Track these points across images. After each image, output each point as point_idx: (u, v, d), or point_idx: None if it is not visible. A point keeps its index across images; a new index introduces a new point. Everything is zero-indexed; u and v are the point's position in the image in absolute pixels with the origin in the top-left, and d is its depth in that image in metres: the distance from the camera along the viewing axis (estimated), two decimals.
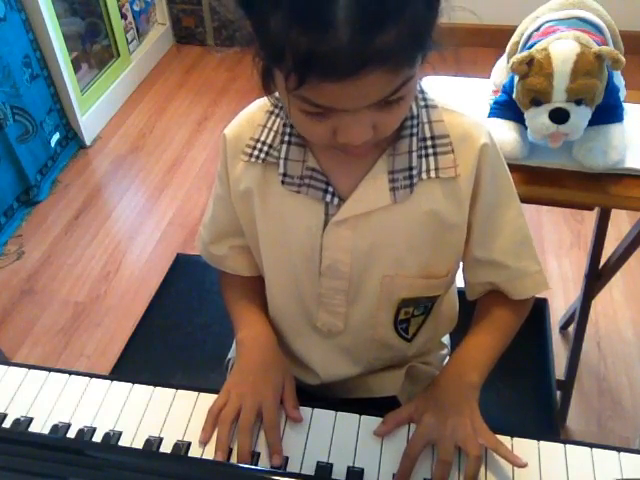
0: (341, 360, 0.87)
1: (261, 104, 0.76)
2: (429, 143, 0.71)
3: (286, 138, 0.73)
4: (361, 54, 0.50)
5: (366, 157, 0.68)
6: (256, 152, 0.75)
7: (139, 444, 0.73)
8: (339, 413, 0.76)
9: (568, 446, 0.72)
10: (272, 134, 0.74)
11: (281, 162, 0.73)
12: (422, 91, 0.72)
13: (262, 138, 0.75)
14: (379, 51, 0.51)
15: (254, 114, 0.77)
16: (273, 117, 0.75)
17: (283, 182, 0.73)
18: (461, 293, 0.89)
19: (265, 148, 0.74)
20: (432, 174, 0.70)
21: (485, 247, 0.78)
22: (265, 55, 0.57)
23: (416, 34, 0.53)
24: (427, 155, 0.71)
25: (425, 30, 0.54)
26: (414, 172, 0.70)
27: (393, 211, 0.72)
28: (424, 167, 0.70)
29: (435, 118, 0.71)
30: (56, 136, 2.36)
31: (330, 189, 0.72)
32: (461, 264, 0.83)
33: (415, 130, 0.70)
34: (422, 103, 0.71)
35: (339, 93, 0.54)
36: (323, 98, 0.56)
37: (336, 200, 0.72)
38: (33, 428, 0.75)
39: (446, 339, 0.98)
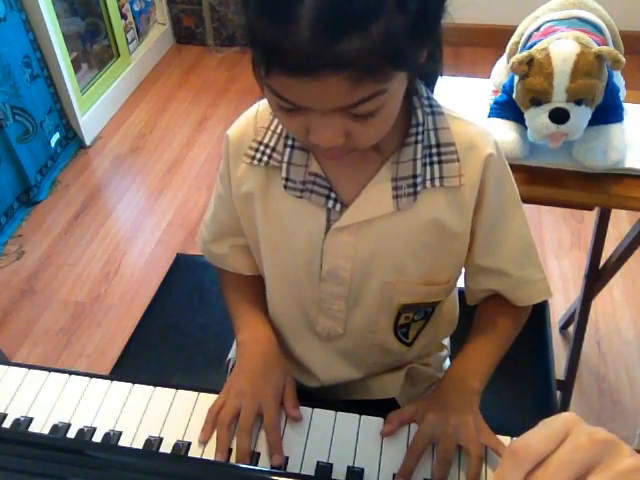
0: (341, 363, 0.87)
1: (265, 106, 0.75)
2: (434, 151, 0.70)
3: (289, 142, 0.72)
4: (318, 56, 0.50)
5: (338, 160, 0.66)
6: (259, 155, 0.74)
7: (139, 444, 0.73)
8: (339, 413, 0.76)
9: None
10: (275, 137, 0.74)
11: (284, 166, 0.72)
12: (429, 97, 0.70)
13: (265, 140, 0.74)
14: (337, 57, 0.50)
15: (258, 115, 0.76)
16: (277, 120, 0.74)
17: (285, 187, 0.72)
18: (461, 294, 0.89)
19: (268, 151, 0.74)
20: (436, 183, 0.70)
21: (488, 255, 0.78)
22: (245, 38, 0.57)
23: (385, 52, 0.51)
24: (432, 163, 0.70)
25: (399, 52, 0.53)
26: (418, 180, 0.69)
27: (396, 219, 0.71)
28: (428, 175, 0.70)
29: (441, 125, 0.70)
30: (56, 136, 2.36)
31: (332, 195, 0.71)
32: (463, 270, 0.83)
33: (420, 137, 0.69)
34: (428, 110, 0.70)
35: (300, 90, 0.54)
36: (287, 92, 0.56)
37: (338, 206, 0.71)
38: (33, 428, 0.75)
39: (446, 340, 0.98)
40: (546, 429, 0.41)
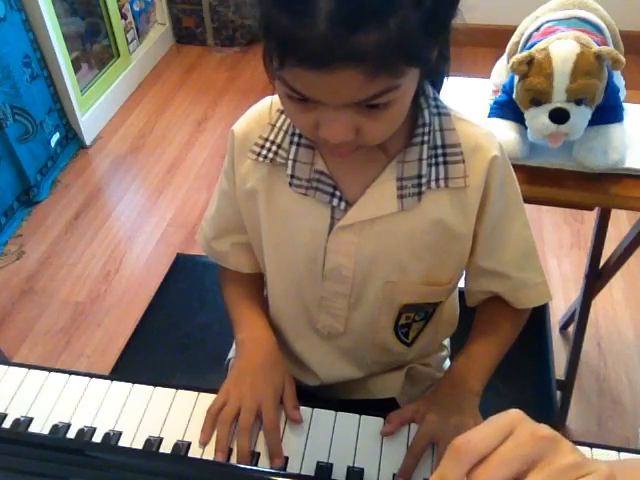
0: (341, 362, 0.87)
1: (271, 102, 0.75)
2: (440, 151, 0.70)
3: (295, 139, 0.72)
4: (335, 48, 0.50)
5: (345, 157, 0.66)
6: (264, 151, 0.74)
7: (139, 444, 0.73)
8: (339, 413, 0.76)
9: None
10: (281, 134, 0.74)
11: (289, 163, 0.72)
12: (435, 98, 0.71)
13: (271, 137, 0.74)
14: (353, 50, 0.50)
15: (264, 112, 0.76)
16: (283, 117, 0.74)
17: (291, 184, 0.72)
18: (462, 295, 0.89)
19: (274, 148, 0.74)
20: (441, 183, 0.70)
21: (490, 257, 0.78)
22: (259, 29, 0.57)
23: (401, 47, 0.51)
24: (437, 164, 0.70)
25: (414, 47, 0.53)
26: (423, 180, 0.69)
27: (399, 218, 0.71)
28: (433, 176, 0.70)
29: (447, 126, 0.70)
30: (56, 136, 2.36)
31: (337, 193, 0.71)
32: (463, 272, 0.83)
33: (426, 138, 0.69)
34: (434, 110, 0.70)
35: (313, 83, 0.54)
36: (300, 85, 0.56)
37: (343, 204, 0.71)
38: (33, 428, 0.75)
39: (446, 341, 0.98)
40: (490, 426, 0.41)
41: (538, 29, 1.06)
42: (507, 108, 1.06)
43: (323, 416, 0.75)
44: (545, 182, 1.05)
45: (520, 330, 0.84)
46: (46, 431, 0.74)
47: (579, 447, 0.71)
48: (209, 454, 0.72)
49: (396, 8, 0.50)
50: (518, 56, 0.97)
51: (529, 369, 1.08)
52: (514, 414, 0.42)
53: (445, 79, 0.71)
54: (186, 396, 0.78)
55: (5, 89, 2.04)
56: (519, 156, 1.04)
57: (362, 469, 0.70)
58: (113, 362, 1.11)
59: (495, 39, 1.63)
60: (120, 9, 2.66)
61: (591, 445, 0.72)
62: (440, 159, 0.70)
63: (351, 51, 0.50)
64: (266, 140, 0.74)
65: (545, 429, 0.40)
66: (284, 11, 0.51)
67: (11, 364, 0.84)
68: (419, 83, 0.62)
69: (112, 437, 0.73)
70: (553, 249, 1.98)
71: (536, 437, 0.40)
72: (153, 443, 0.73)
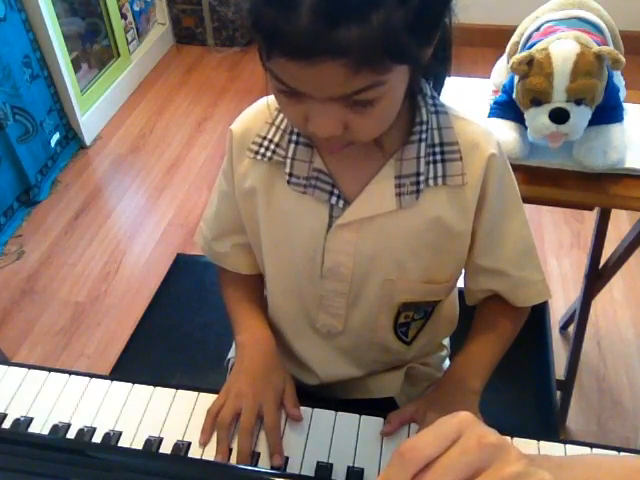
0: (340, 361, 0.87)
1: (270, 101, 0.75)
2: (437, 149, 0.70)
3: (294, 137, 0.72)
4: (317, 41, 0.51)
5: (337, 152, 0.66)
6: (262, 150, 0.74)
7: (139, 444, 0.73)
8: (339, 413, 0.76)
9: (568, 446, 0.72)
10: (280, 132, 0.74)
11: (288, 161, 0.72)
12: (433, 97, 0.71)
13: (269, 136, 0.74)
14: (335, 44, 0.50)
15: (262, 111, 0.76)
16: (281, 115, 0.74)
17: (289, 182, 0.73)
18: (461, 294, 0.89)
19: (272, 146, 0.74)
20: (439, 181, 0.70)
21: (489, 256, 0.78)
22: (248, 22, 0.57)
23: (384, 43, 0.51)
24: (435, 162, 0.70)
25: (398, 44, 0.53)
26: (421, 178, 0.69)
27: (398, 216, 0.71)
28: (431, 174, 0.70)
29: (445, 124, 0.71)
30: (56, 136, 2.36)
31: (336, 191, 0.71)
32: (462, 270, 0.83)
33: (424, 136, 0.69)
34: (432, 109, 0.70)
35: (298, 75, 0.55)
36: (287, 76, 0.56)
37: (341, 203, 0.71)
38: (33, 428, 0.75)
39: (446, 340, 0.98)
40: (437, 430, 0.40)
41: (538, 29, 1.06)
42: (507, 108, 1.06)
43: (323, 416, 0.75)
44: (545, 182, 1.05)
45: (520, 328, 0.84)
46: (46, 431, 0.75)
47: (578, 447, 0.72)
48: (209, 454, 0.72)
49: (379, 4, 0.50)
50: (518, 56, 0.97)
51: (529, 369, 1.08)
52: (463, 417, 0.41)
53: (445, 80, 0.71)
54: (186, 396, 0.78)
55: (5, 89, 2.04)
56: (519, 156, 1.04)
57: (362, 469, 0.70)
58: (113, 362, 1.11)
59: (495, 39, 1.63)
60: (120, 9, 2.66)
61: (591, 445, 0.72)
62: (438, 157, 0.70)
63: (333, 44, 0.51)
64: (264, 138, 0.74)
65: (493, 435, 0.40)
66: (269, 4, 0.52)
67: (11, 364, 0.84)
68: (411, 81, 0.62)
69: (112, 437, 0.73)
70: (553, 249, 1.98)
71: (482, 444, 0.39)
72: (153, 443, 0.73)
